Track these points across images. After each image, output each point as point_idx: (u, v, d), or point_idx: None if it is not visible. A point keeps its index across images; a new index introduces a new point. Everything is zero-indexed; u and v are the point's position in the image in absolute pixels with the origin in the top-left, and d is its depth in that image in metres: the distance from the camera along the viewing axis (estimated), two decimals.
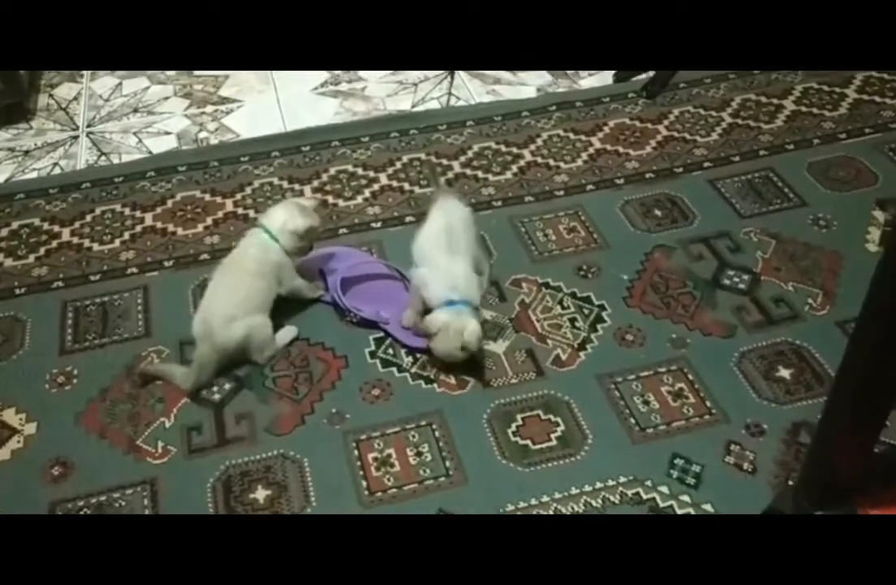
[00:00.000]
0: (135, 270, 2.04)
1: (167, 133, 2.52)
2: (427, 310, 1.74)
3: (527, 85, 2.65)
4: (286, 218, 1.77)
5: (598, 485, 1.55)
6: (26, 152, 2.46)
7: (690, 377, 1.73)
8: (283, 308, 1.83)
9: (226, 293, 1.72)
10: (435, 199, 1.91)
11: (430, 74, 2.71)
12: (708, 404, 1.68)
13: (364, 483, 1.57)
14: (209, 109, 2.62)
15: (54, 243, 2.13)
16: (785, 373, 1.73)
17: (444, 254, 1.77)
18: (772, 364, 1.75)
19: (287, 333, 1.83)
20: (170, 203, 2.24)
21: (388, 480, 1.58)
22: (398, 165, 2.33)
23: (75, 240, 2.14)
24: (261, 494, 1.57)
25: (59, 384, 1.78)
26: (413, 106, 2.59)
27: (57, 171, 2.38)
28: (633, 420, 1.66)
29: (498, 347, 1.81)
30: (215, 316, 1.69)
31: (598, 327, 1.84)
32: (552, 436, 1.64)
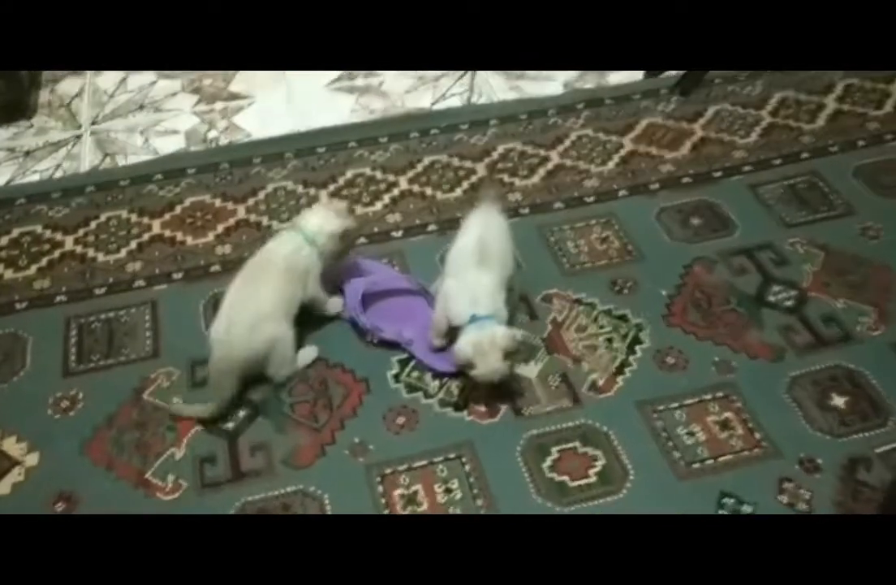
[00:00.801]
0: (142, 283, 1.92)
1: (175, 132, 2.39)
2: (452, 330, 1.63)
3: (552, 80, 2.51)
4: (323, 220, 1.69)
5: None
6: (27, 153, 2.33)
7: (738, 405, 1.61)
8: (301, 325, 1.71)
9: (253, 293, 1.61)
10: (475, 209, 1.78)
11: (449, 70, 2.57)
12: (757, 436, 1.57)
13: None
14: (219, 105, 2.49)
15: (57, 253, 2.01)
16: (839, 401, 1.62)
17: (472, 267, 1.65)
18: (825, 391, 1.63)
19: (308, 353, 1.72)
20: (178, 209, 2.12)
21: None
22: (419, 167, 2.20)
23: (79, 249, 2.02)
24: None
25: (63, 410, 1.67)
26: (433, 103, 2.45)
27: (59, 173, 2.26)
28: (677, 454, 1.54)
29: (530, 370, 1.69)
30: (240, 318, 1.58)
31: (637, 348, 1.73)
32: (591, 472, 1.53)
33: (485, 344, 1.54)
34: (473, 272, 1.64)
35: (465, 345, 1.55)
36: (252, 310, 1.59)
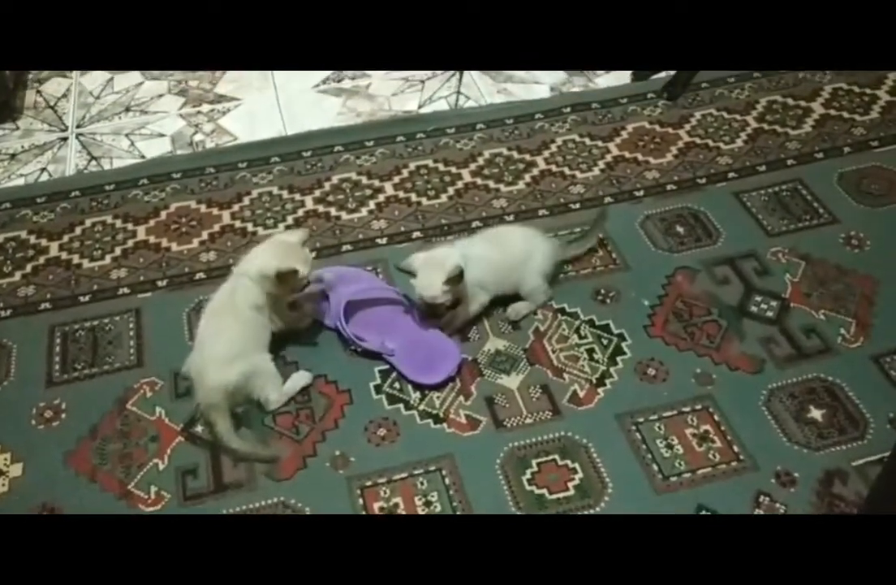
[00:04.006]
0: (126, 290, 1.93)
1: (161, 135, 2.39)
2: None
3: (540, 83, 2.51)
4: (262, 262, 1.59)
5: None
6: (12, 156, 2.33)
7: (716, 417, 1.63)
8: (283, 338, 1.72)
9: (219, 332, 1.60)
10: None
11: (438, 70, 2.56)
12: (735, 449, 1.58)
13: None
14: (205, 108, 2.48)
15: (42, 259, 2.02)
16: (817, 414, 1.63)
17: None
18: (802, 404, 1.64)
19: (299, 379, 1.70)
20: (163, 215, 2.12)
21: None
22: (405, 173, 2.20)
23: (64, 255, 2.02)
24: None
25: (47, 420, 1.68)
26: (420, 106, 2.45)
27: (45, 177, 2.26)
28: (655, 467, 1.56)
29: (511, 381, 1.70)
30: (207, 360, 1.58)
31: (618, 359, 1.74)
32: (570, 485, 1.54)
33: (437, 258, 1.65)
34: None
35: (419, 255, 1.68)
36: (220, 348, 1.59)
